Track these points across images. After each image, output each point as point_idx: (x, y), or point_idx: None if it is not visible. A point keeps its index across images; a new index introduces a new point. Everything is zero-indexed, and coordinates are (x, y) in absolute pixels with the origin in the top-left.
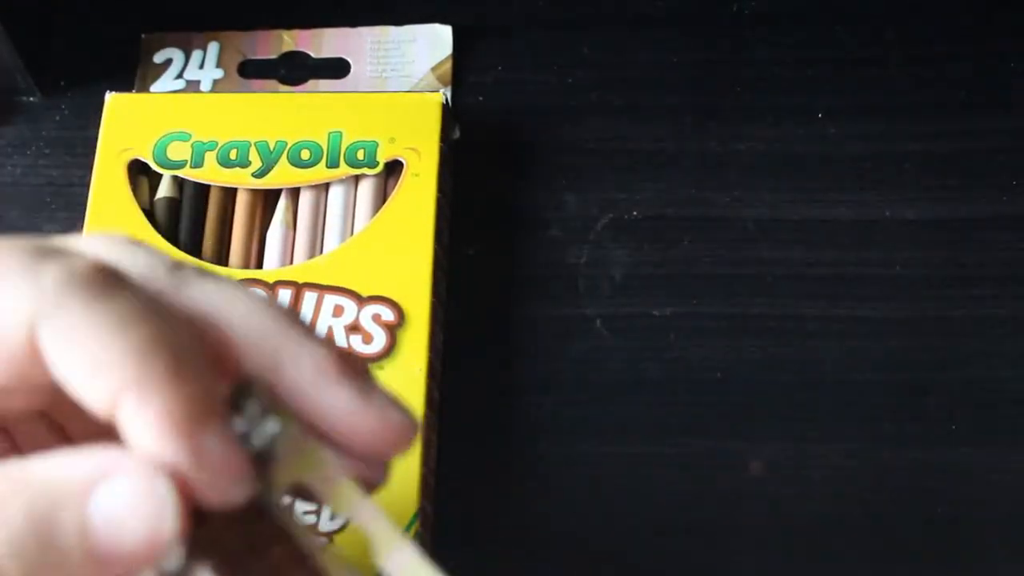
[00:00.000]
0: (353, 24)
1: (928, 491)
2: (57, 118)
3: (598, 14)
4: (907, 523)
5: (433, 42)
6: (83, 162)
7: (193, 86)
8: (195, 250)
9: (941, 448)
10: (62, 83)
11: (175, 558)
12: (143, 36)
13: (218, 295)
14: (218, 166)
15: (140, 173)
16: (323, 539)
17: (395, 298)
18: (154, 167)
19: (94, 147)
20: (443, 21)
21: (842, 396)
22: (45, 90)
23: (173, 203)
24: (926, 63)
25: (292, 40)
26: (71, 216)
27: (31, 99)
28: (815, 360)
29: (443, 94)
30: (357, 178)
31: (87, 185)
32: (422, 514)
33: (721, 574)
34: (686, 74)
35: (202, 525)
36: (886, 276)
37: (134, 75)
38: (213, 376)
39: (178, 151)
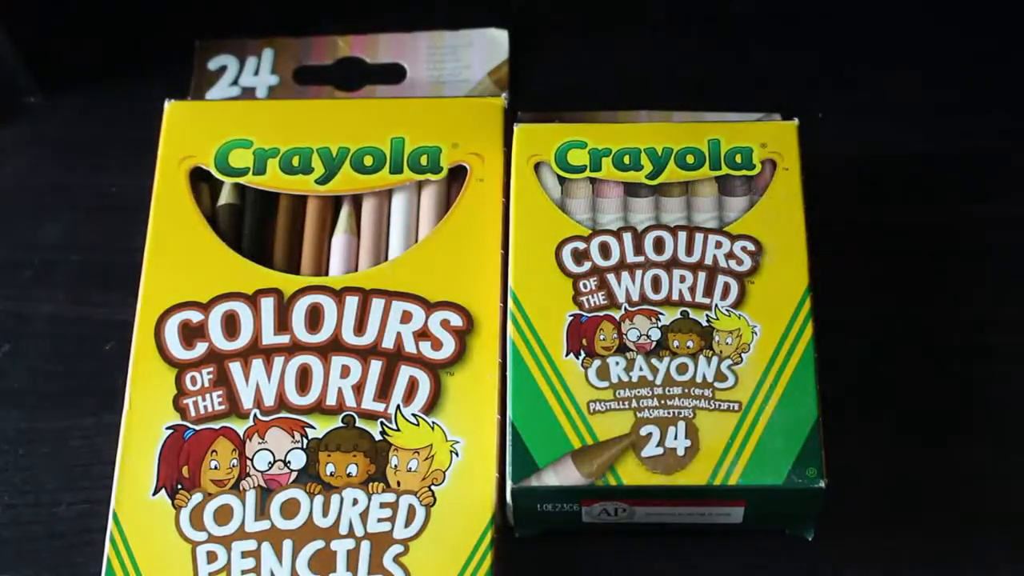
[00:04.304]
0: (408, 29)
1: None
2: (58, 118)
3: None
4: None
5: (489, 46)
6: (84, 162)
7: (249, 93)
8: (259, 256)
9: None
10: (63, 83)
11: None
12: (197, 43)
13: None
14: (280, 173)
15: (200, 180)
16: None
17: (464, 304)
18: (216, 174)
19: (95, 147)
20: (497, 24)
21: None
22: (46, 90)
23: (235, 210)
24: (928, 63)
25: (347, 46)
26: (72, 216)
27: (32, 99)
28: None
29: (504, 99)
30: (420, 184)
31: (87, 185)
32: (496, 520)
33: None
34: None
35: None
36: None
37: (134, 75)
38: None
39: (240, 158)
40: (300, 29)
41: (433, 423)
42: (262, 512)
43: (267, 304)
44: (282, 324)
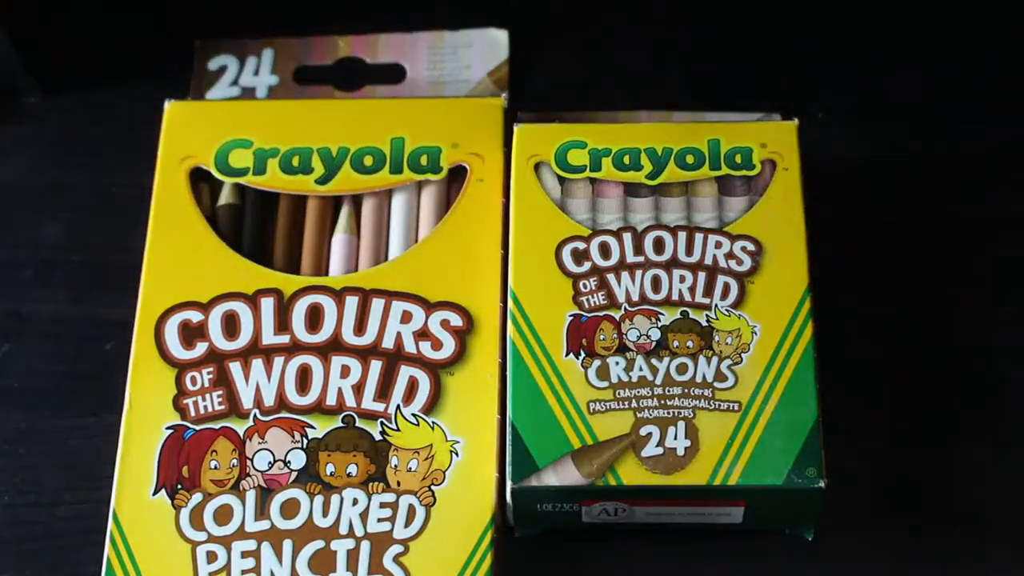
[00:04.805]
0: (408, 29)
1: None
2: (58, 118)
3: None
4: None
5: (489, 46)
6: (84, 162)
7: (248, 93)
8: (259, 256)
9: None
10: (63, 83)
11: None
12: (197, 43)
13: None
14: (280, 173)
15: (200, 180)
16: None
17: (463, 303)
18: (216, 174)
19: (95, 147)
20: (497, 24)
21: None
22: (46, 90)
23: (236, 210)
24: (929, 63)
25: (347, 46)
26: (72, 217)
27: (32, 99)
28: None
29: (504, 99)
30: (420, 184)
31: (87, 185)
32: (496, 520)
33: None
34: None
35: None
36: None
37: (134, 75)
38: None
39: (240, 158)
40: (300, 29)
41: (433, 423)
42: (262, 512)
43: (267, 304)
44: (282, 324)
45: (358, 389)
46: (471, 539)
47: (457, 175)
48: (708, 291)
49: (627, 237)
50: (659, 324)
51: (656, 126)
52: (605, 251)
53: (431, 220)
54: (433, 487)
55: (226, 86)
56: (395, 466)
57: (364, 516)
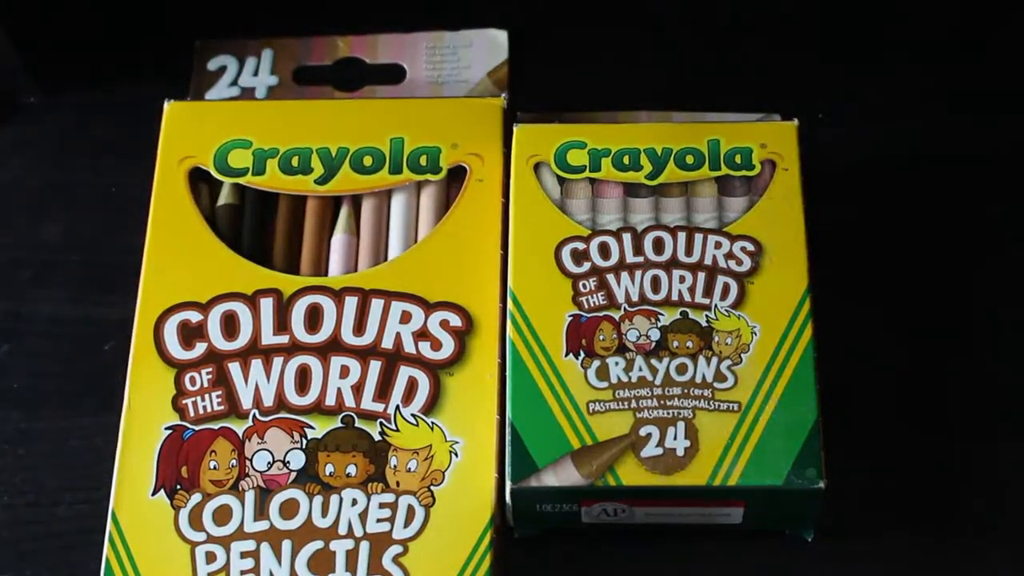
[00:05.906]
0: (408, 29)
1: None
2: (58, 118)
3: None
4: None
5: (489, 47)
6: (83, 162)
7: (248, 93)
8: (259, 257)
9: None
10: (63, 83)
11: None
12: (197, 43)
13: None
14: (280, 173)
15: (200, 180)
16: None
17: (463, 304)
18: (215, 175)
19: (95, 147)
20: (497, 24)
21: None
22: (46, 90)
23: (235, 210)
24: (928, 63)
25: (347, 46)
26: (71, 217)
27: (32, 99)
28: None
29: (504, 99)
30: (419, 184)
31: (87, 185)
32: (496, 521)
33: None
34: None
35: None
36: None
37: (134, 75)
38: None
39: (239, 159)
40: (300, 29)
41: (432, 423)
42: (261, 512)
43: (266, 304)
44: (281, 324)
45: (357, 389)
46: (471, 539)
47: (457, 175)
48: (708, 291)
49: (627, 237)
50: (659, 324)
51: (656, 126)
52: (605, 251)
53: (431, 220)
54: (432, 487)
55: (226, 86)
56: (394, 466)
57: (363, 516)
